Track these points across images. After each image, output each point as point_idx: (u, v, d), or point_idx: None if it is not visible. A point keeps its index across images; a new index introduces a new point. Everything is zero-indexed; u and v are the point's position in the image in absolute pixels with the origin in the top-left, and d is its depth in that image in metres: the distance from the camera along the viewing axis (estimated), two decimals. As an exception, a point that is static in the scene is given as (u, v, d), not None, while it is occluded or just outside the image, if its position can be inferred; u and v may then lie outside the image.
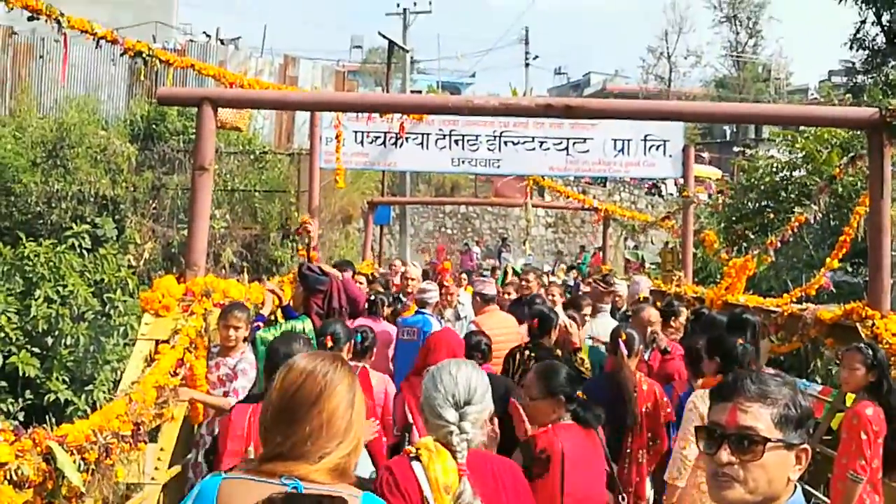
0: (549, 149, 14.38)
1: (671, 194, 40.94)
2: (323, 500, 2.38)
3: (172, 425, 6.42)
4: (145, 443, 5.76)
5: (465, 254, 33.08)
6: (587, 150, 14.37)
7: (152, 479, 6.07)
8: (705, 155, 46.84)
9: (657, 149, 14.25)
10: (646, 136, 14.24)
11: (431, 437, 3.60)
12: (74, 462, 4.34)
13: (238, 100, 8.71)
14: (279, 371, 2.80)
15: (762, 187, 19.56)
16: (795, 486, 2.47)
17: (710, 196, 20.64)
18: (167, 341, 7.12)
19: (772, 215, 18.77)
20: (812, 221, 10.77)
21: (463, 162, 14.52)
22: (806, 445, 2.46)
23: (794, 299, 10.01)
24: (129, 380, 6.30)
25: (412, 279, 10.91)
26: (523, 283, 11.17)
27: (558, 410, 4.75)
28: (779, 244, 10.68)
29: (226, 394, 7.13)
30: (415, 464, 3.45)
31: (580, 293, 12.25)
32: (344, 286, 8.62)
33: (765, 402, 2.45)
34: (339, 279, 8.68)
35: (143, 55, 9.13)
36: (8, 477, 3.72)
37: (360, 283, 10.31)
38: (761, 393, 2.47)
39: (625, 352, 6.42)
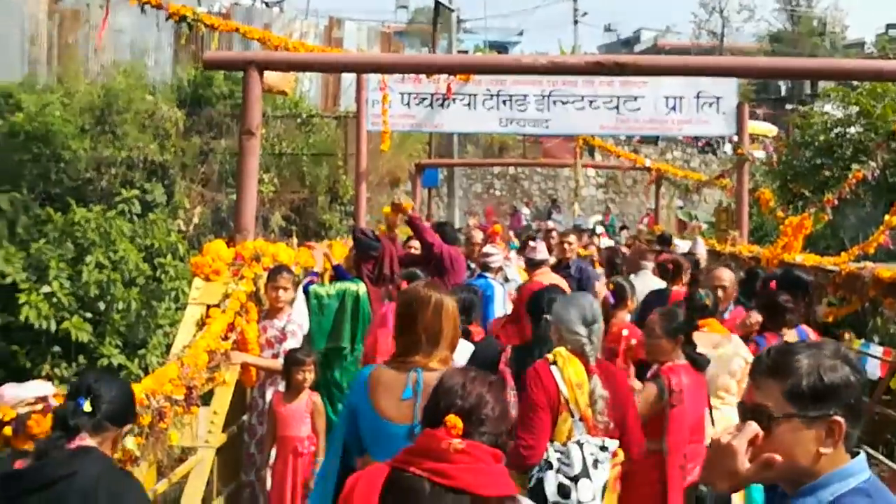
0: (598, 107, 14.15)
1: (725, 153, 40.37)
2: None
3: (225, 389, 6.42)
4: (198, 406, 5.75)
5: (513, 216, 32.84)
6: (638, 109, 14.12)
7: (206, 442, 6.07)
8: (760, 111, 46.03)
9: (710, 106, 13.97)
10: (699, 92, 13.96)
11: (564, 347, 4.80)
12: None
13: (284, 63, 8.64)
14: (400, 293, 4.66)
15: (817, 144, 19.15)
16: (855, 455, 2.37)
17: (767, 154, 20.25)
18: (218, 305, 7.11)
19: (827, 173, 18.42)
20: (869, 178, 10.50)
21: (511, 122, 14.34)
22: (836, 417, 2.31)
23: (853, 258, 9.78)
24: (181, 344, 6.28)
25: (477, 244, 10.88)
26: (564, 245, 10.65)
27: (676, 350, 5.58)
28: (836, 202, 10.44)
29: (275, 356, 7.11)
30: (553, 367, 4.68)
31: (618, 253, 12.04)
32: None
33: (776, 376, 2.38)
34: (440, 250, 8.63)
35: (188, 19, 9.08)
36: (63, 441, 3.71)
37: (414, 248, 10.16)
38: (774, 367, 2.40)
39: (611, 301, 7.02)
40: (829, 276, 8.86)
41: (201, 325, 6.81)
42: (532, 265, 8.98)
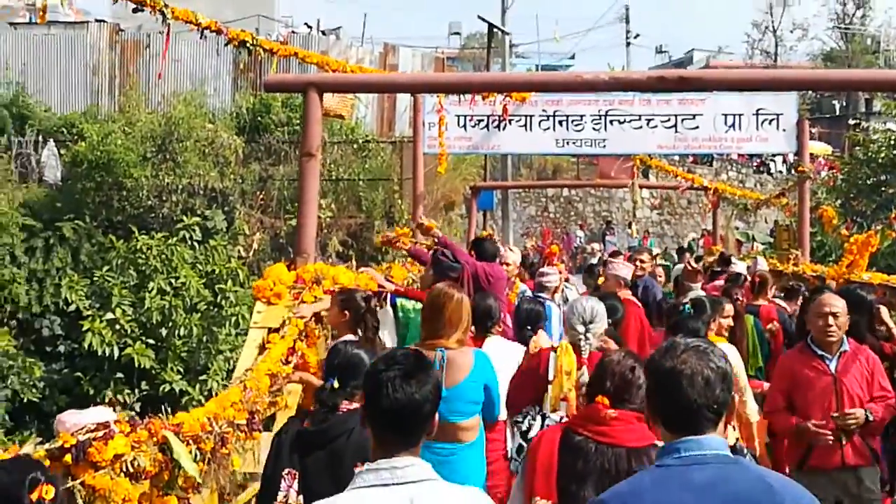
0: (656, 126, 13.95)
1: (780, 172, 39.86)
2: None
3: (287, 413, 6.38)
4: (260, 431, 5.72)
5: (564, 239, 32.72)
6: (696, 127, 13.90)
7: (267, 467, 6.05)
8: (814, 130, 45.40)
9: (770, 123, 13.70)
10: (758, 110, 13.70)
11: (566, 341, 5.46)
12: (190, 452, 4.30)
13: (343, 84, 8.67)
14: (428, 293, 6.10)
15: (879, 161, 18.85)
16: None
17: (818, 173, 19.97)
18: (278, 329, 7.10)
19: (891, 190, 18.13)
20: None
21: (567, 143, 14.21)
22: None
23: (921, 275, 9.54)
24: (243, 367, 6.27)
25: (508, 264, 10.73)
26: (637, 263, 10.81)
27: None
28: (904, 217, 10.20)
29: None
30: (552, 354, 5.40)
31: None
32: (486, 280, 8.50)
33: None
34: (474, 263, 8.57)
35: (247, 44, 9.15)
36: (124, 469, 3.68)
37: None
38: None
39: None
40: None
41: (263, 348, 6.81)
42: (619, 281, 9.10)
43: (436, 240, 9.11)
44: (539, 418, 5.29)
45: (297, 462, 4.31)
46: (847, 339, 6.03)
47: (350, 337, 6.59)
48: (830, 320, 5.91)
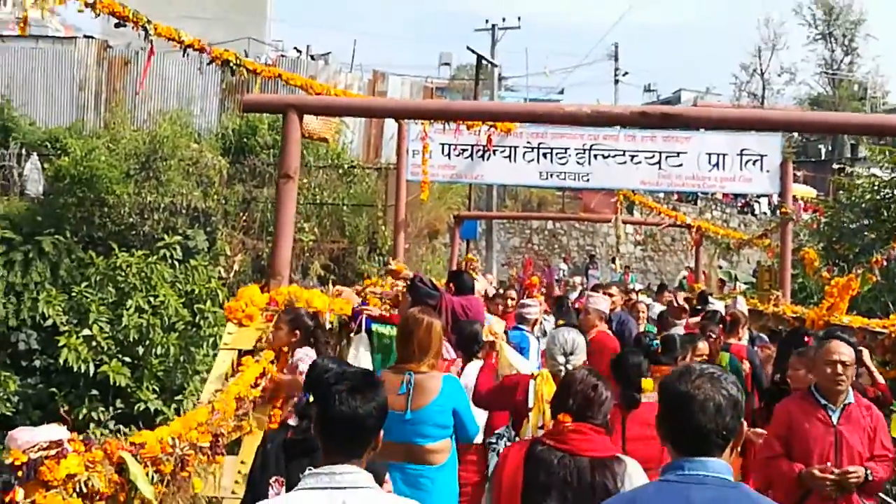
0: (640, 162, 14.00)
1: (765, 213, 40.05)
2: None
3: (253, 438, 6.28)
4: (223, 455, 5.62)
5: (545, 272, 32.59)
6: (680, 165, 13.94)
7: (232, 492, 5.93)
8: (800, 174, 45.69)
9: (754, 164, 13.76)
10: (742, 150, 13.77)
11: (547, 370, 5.83)
12: (148, 474, 4.20)
13: (323, 107, 8.59)
14: (402, 317, 6.24)
15: (863, 206, 18.93)
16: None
17: (812, 215, 20.04)
18: (251, 352, 7.02)
19: (873, 235, 18.18)
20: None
21: (551, 175, 14.24)
22: None
23: (904, 320, 9.49)
24: (211, 389, 6.18)
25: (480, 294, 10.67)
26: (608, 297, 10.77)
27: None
28: (885, 262, 10.19)
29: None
30: (532, 382, 5.76)
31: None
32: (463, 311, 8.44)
33: None
34: (450, 298, 8.51)
35: (231, 64, 9.10)
36: (77, 489, 3.58)
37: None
38: None
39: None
40: (876, 339, 8.60)
41: (233, 370, 6.72)
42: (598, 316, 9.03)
43: (409, 282, 9.05)
44: (508, 444, 5.67)
45: (283, 470, 4.49)
46: (853, 391, 5.72)
47: (310, 350, 6.59)
48: (839, 369, 5.55)
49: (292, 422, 4.80)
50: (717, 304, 11.36)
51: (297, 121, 7.80)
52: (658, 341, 6.78)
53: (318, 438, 3.19)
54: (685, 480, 2.77)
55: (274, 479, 4.53)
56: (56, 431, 3.66)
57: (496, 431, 5.99)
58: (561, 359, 5.84)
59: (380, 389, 3.24)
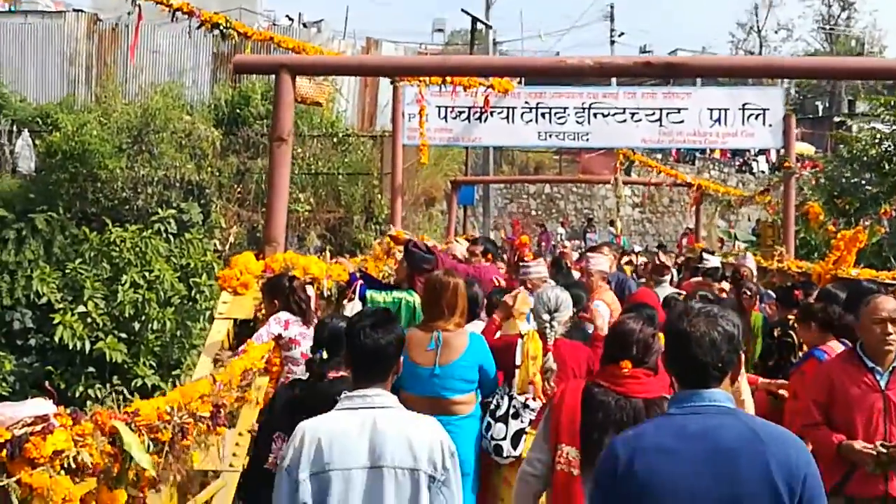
0: (640, 120, 13.73)
1: (763, 172, 39.83)
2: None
3: (252, 409, 6.09)
4: (225, 426, 5.42)
5: (542, 234, 32.36)
6: (682, 121, 13.67)
7: (231, 465, 5.73)
8: (797, 131, 45.43)
9: (756, 118, 13.49)
10: (744, 104, 13.51)
11: (535, 328, 6.08)
12: (144, 443, 3.99)
13: (315, 66, 8.31)
14: (427, 280, 6.41)
15: (864, 159, 18.74)
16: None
17: (812, 170, 19.86)
18: (249, 322, 6.83)
19: (874, 189, 18.02)
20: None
21: (550, 136, 13.99)
22: None
23: (915, 271, 9.34)
24: (206, 359, 5.99)
25: (455, 256, 10.54)
26: None
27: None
28: (894, 213, 9.99)
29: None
30: (520, 340, 5.95)
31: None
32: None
33: None
34: (445, 258, 8.41)
35: (221, 27, 8.85)
36: (65, 465, 3.37)
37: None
38: None
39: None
40: (887, 291, 8.39)
41: (230, 340, 6.53)
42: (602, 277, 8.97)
43: (406, 246, 8.90)
44: (507, 398, 5.87)
45: (288, 426, 4.44)
46: None
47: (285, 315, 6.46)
48: (889, 327, 5.03)
49: (299, 372, 5.41)
50: (712, 260, 11.20)
51: (290, 81, 7.55)
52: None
53: (350, 367, 3.85)
54: (684, 412, 3.04)
55: (277, 434, 4.82)
56: (41, 406, 3.43)
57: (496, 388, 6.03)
58: (546, 316, 6.03)
59: (396, 324, 3.94)
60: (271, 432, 4.87)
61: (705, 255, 11.76)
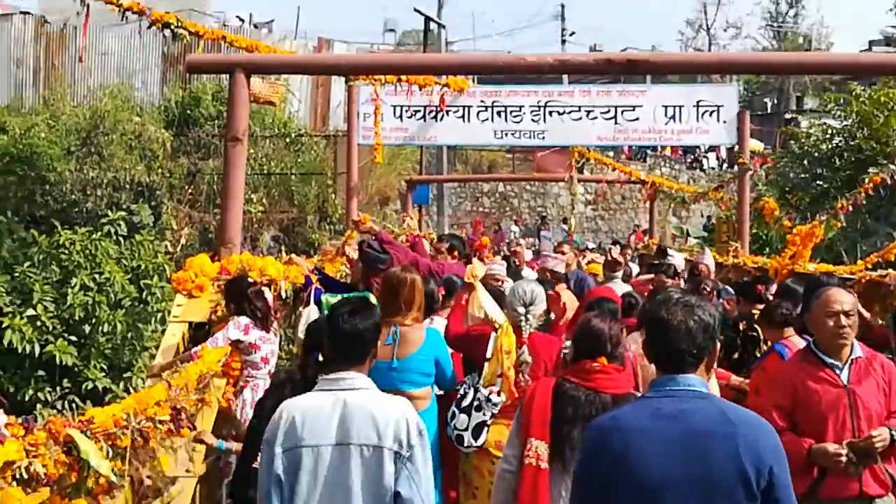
0: (596, 118, 13.73)
1: (713, 168, 40.21)
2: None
3: (209, 412, 5.98)
4: (189, 428, 5.32)
5: (496, 233, 32.40)
6: (637, 119, 13.69)
7: (187, 471, 5.61)
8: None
9: (711, 114, 13.53)
10: (698, 101, 13.55)
11: (508, 321, 6.06)
12: (102, 449, 3.88)
13: (270, 65, 8.17)
14: (384, 276, 6.54)
15: (815, 155, 18.93)
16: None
17: (758, 166, 20.03)
18: (204, 324, 6.72)
19: (826, 184, 18.20)
20: (889, 181, 10.15)
21: (506, 134, 13.95)
22: None
23: (870, 266, 9.39)
24: (160, 362, 5.86)
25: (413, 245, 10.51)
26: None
27: None
28: (850, 208, 10.06)
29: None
30: (493, 334, 6.00)
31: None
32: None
33: None
34: (401, 258, 8.33)
35: (172, 26, 8.70)
36: (17, 476, 3.25)
37: None
38: None
39: None
40: (845, 285, 8.42)
41: (185, 344, 6.40)
42: (555, 278, 9.20)
43: (372, 235, 8.82)
44: (472, 389, 5.96)
45: None
46: (859, 344, 5.05)
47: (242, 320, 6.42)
48: (843, 320, 4.92)
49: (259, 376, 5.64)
50: (676, 257, 11.23)
51: (245, 81, 7.44)
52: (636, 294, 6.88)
53: (330, 350, 4.07)
54: (659, 395, 3.20)
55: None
56: (-9, 416, 3.32)
57: (462, 380, 6.18)
58: (521, 309, 6.09)
59: (375, 311, 4.18)
60: (262, 433, 4.75)
61: (670, 252, 11.82)
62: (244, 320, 6.56)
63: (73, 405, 13.77)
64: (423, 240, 10.23)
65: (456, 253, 9.14)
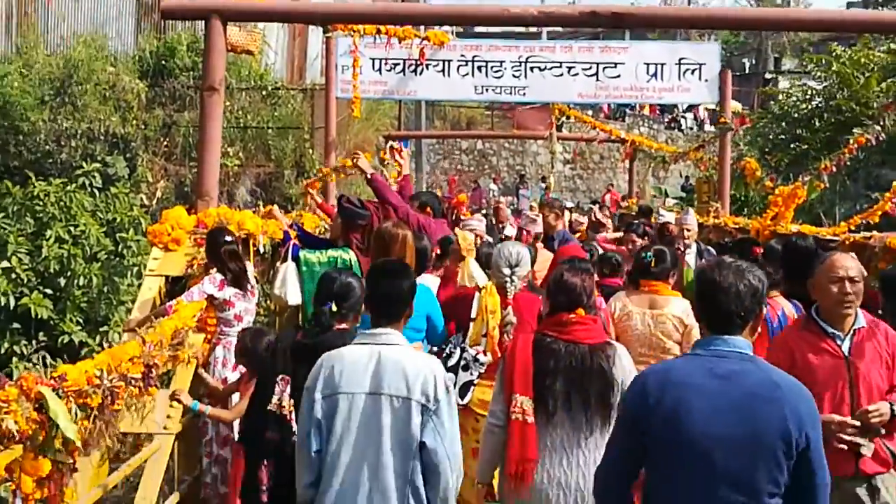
0: (577, 74, 13.53)
1: (691, 128, 40.18)
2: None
3: (186, 369, 5.88)
4: (157, 387, 5.22)
5: (474, 191, 32.28)
6: (618, 76, 13.51)
7: (165, 428, 5.52)
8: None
9: (692, 73, 13.38)
10: (680, 59, 13.38)
11: (492, 282, 6.33)
12: (72, 410, 3.79)
13: (249, 13, 7.94)
14: (376, 231, 6.69)
15: (795, 115, 18.91)
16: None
17: (741, 126, 20.00)
18: (181, 278, 6.60)
19: (804, 145, 18.21)
20: (874, 142, 10.11)
21: (487, 90, 13.73)
22: None
23: (853, 227, 9.36)
24: (137, 318, 5.75)
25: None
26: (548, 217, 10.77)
27: None
28: (834, 169, 10.01)
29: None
30: (477, 294, 6.31)
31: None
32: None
33: None
34: (415, 215, 8.22)
35: (147, -28, 8.46)
36: (-10, 433, 3.16)
37: None
38: None
39: None
40: (829, 247, 8.36)
41: (161, 298, 6.29)
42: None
43: (367, 177, 8.69)
44: (459, 349, 6.14)
45: (290, 370, 5.02)
46: (862, 313, 4.86)
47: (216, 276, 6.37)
48: (847, 287, 4.72)
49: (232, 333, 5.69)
50: (666, 216, 11.17)
51: (221, 28, 7.27)
52: (649, 255, 6.83)
53: (368, 309, 4.40)
54: (710, 354, 3.38)
55: (280, 377, 5.09)
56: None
57: (449, 338, 6.34)
58: (507, 270, 6.22)
59: (411, 272, 4.58)
60: (274, 375, 5.10)
61: (661, 212, 11.78)
62: (220, 275, 6.47)
63: (50, 358, 13.68)
64: (409, 181, 10.09)
65: (429, 209, 9.00)
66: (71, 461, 4.00)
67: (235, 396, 6.31)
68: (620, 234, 11.25)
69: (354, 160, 9.23)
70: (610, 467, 3.57)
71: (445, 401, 4.06)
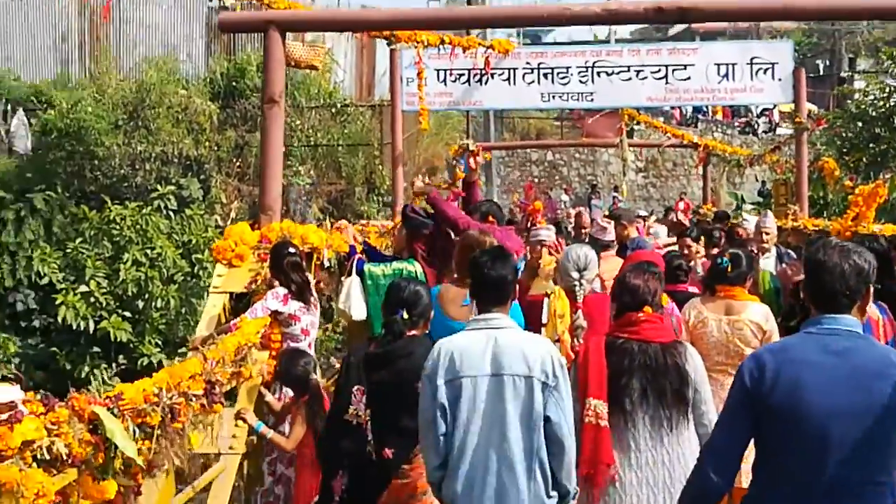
0: (646, 78, 13.24)
1: (766, 133, 39.41)
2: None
3: (251, 385, 5.79)
4: (222, 404, 5.12)
5: (545, 202, 31.95)
6: (688, 78, 13.18)
7: (231, 448, 5.44)
8: (799, 89, 44.81)
9: (765, 72, 13.00)
10: (752, 58, 13.03)
11: (561, 286, 6.40)
12: (129, 429, 3.70)
13: (306, 22, 7.91)
14: (462, 238, 6.73)
15: (873, 114, 18.39)
16: None
17: (818, 126, 19.52)
18: (245, 294, 6.54)
19: (885, 144, 17.71)
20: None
21: (553, 97, 13.52)
22: None
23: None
24: (201, 336, 5.68)
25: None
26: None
27: None
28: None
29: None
30: (546, 299, 6.36)
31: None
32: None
33: None
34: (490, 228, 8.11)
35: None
36: (38, 457, 3.05)
37: None
38: None
39: None
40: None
41: (226, 315, 6.23)
42: (601, 246, 8.69)
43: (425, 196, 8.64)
44: None
45: (365, 380, 5.17)
46: None
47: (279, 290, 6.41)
48: None
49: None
50: (750, 220, 10.86)
51: (280, 39, 7.21)
52: (725, 261, 6.62)
53: (475, 296, 4.53)
54: (823, 332, 3.43)
55: (356, 387, 5.24)
56: (7, 392, 3.11)
57: None
58: (575, 274, 6.23)
59: (511, 258, 4.69)
60: (350, 386, 5.24)
61: (744, 216, 11.50)
62: (283, 290, 6.39)
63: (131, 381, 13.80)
64: (478, 188, 9.99)
65: (492, 218, 8.82)
66: (133, 483, 3.92)
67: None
68: (674, 240, 11.03)
69: (414, 187, 9.25)
70: (723, 453, 3.59)
71: (562, 377, 4.22)
